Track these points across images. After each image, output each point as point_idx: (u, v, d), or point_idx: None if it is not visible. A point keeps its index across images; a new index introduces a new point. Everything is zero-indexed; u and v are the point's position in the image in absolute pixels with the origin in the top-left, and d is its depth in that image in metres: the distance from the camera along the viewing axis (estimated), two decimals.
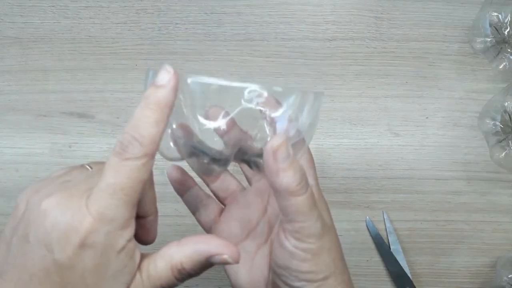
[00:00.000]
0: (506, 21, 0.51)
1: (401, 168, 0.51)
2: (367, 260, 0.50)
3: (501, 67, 0.50)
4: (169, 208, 0.50)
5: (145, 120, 0.23)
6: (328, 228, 0.29)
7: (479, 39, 0.51)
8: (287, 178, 0.26)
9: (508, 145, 0.49)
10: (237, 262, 0.25)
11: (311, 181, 0.31)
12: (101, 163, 0.27)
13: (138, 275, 0.24)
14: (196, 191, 0.37)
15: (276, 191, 0.26)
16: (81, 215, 0.22)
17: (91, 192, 0.23)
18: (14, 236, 0.23)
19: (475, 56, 0.53)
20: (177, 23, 0.53)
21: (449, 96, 0.52)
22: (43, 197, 0.23)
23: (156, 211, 0.29)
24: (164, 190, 0.51)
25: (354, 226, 0.50)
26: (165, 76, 0.24)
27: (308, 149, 0.33)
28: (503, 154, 0.49)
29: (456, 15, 0.53)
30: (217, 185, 0.37)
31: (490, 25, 0.50)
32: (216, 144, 0.29)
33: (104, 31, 0.52)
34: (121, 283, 0.24)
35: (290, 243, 0.28)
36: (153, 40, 0.52)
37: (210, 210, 0.36)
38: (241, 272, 0.33)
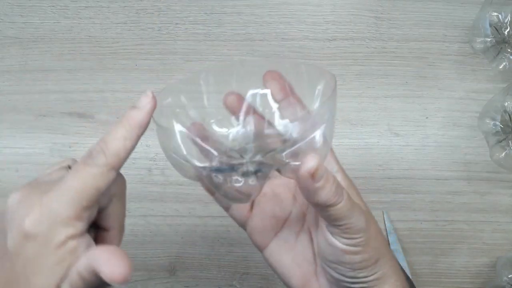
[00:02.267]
0: (506, 21, 0.51)
1: (401, 168, 0.51)
2: None
3: (501, 67, 0.50)
4: (169, 208, 0.50)
5: (114, 135, 0.26)
6: (368, 214, 0.30)
7: (479, 39, 0.51)
8: (325, 194, 0.26)
9: (508, 145, 0.49)
10: (119, 282, 0.23)
11: (334, 166, 0.32)
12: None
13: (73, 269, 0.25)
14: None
15: (315, 206, 0.27)
16: (33, 207, 0.24)
17: (49, 189, 0.25)
18: None
19: (475, 56, 0.53)
20: (177, 23, 0.53)
21: (449, 96, 0.52)
22: (13, 192, 0.26)
23: (120, 229, 0.29)
24: (164, 190, 0.51)
25: None
26: (143, 100, 0.27)
27: None
28: (503, 154, 0.49)
29: (456, 15, 0.53)
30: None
31: (490, 25, 0.50)
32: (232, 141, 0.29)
33: (104, 31, 0.52)
34: (55, 276, 0.24)
35: (340, 242, 0.28)
36: (153, 40, 0.52)
37: (242, 206, 0.35)
38: (286, 262, 0.33)
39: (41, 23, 0.52)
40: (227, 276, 0.50)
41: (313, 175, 0.25)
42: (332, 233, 0.28)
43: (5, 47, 0.52)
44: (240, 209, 0.35)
